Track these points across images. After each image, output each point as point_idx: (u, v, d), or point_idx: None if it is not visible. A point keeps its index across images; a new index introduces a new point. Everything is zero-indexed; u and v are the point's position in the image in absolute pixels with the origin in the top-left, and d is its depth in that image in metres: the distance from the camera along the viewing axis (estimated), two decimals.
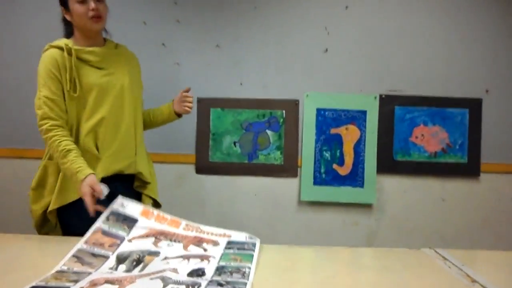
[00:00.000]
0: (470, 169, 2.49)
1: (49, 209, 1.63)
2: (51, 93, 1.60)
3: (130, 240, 1.36)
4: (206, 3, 2.50)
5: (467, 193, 2.50)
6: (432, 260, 1.38)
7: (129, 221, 1.44)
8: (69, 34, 1.75)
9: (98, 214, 1.49)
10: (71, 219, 1.65)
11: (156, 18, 2.51)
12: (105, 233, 1.37)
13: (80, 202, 1.56)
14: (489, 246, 2.48)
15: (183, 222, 1.49)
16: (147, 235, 1.39)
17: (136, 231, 1.41)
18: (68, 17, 1.69)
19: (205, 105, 2.52)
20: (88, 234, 1.36)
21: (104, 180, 1.63)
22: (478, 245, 2.49)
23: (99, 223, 1.40)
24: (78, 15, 1.65)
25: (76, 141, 1.63)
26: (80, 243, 1.31)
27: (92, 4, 1.65)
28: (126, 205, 1.49)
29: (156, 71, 2.48)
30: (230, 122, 2.52)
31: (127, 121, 1.75)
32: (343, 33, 2.50)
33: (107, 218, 1.43)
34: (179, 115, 1.94)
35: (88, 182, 1.50)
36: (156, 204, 1.89)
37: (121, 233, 1.38)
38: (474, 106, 2.49)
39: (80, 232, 1.44)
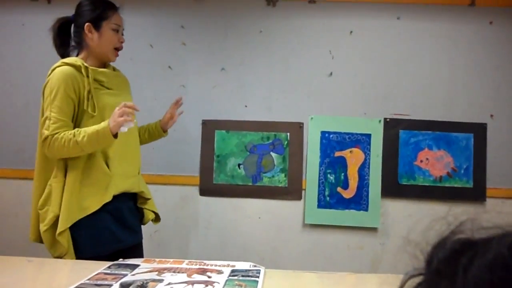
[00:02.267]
0: (475, 194, 2.47)
1: (58, 231, 1.56)
2: (62, 114, 1.56)
3: (133, 275, 1.35)
4: (212, 27, 2.53)
5: None
6: None
7: (132, 267, 1.44)
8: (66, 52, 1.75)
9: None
10: (83, 241, 1.62)
11: (162, 41, 2.54)
12: (107, 274, 1.35)
13: (90, 221, 1.58)
14: None
15: (186, 260, 1.51)
16: (150, 271, 1.39)
17: (139, 270, 1.41)
18: (89, 36, 1.66)
19: (209, 127, 2.53)
20: (90, 276, 1.33)
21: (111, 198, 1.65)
22: None
23: (100, 269, 1.39)
24: (109, 41, 1.68)
25: (89, 159, 1.61)
26: (82, 280, 1.28)
27: (122, 37, 1.72)
28: (127, 260, 1.52)
29: (162, 93, 2.50)
30: (234, 144, 2.52)
31: (135, 141, 1.78)
32: (347, 57, 2.52)
33: (109, 267, 1.42)
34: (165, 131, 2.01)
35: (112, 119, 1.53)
36: (157, 218, 1.91)
37: (124, 272, 1.38)
38: (479, 131, 2.48)
39: (91, 255, 1.51)
